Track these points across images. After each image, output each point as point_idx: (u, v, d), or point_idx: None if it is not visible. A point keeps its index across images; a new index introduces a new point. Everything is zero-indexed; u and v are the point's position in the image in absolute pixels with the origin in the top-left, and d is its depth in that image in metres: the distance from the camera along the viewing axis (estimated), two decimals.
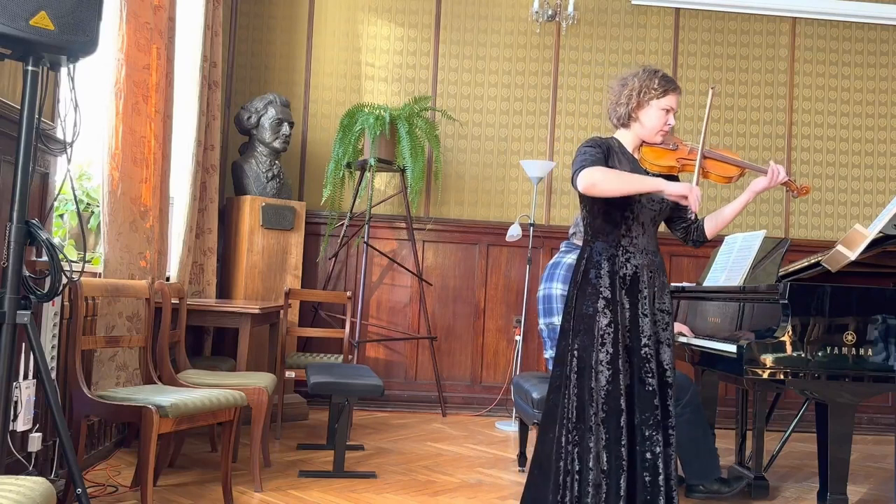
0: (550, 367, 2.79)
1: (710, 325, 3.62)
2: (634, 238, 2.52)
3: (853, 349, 2.89)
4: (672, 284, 4.20)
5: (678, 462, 3.43)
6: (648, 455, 2.42)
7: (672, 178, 2.62)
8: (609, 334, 2.44)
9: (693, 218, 2.67)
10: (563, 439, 2.46)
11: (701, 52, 5.80)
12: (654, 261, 2.56)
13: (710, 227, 2.65)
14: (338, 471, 3.48)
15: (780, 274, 3.22)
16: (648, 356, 2.47)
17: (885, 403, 5.55)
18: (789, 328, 2.89)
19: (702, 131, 2.57)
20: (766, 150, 5.78)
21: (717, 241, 4.09)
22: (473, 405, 5.43)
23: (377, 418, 5.05)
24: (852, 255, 2.81)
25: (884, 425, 5.44)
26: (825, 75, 5.84)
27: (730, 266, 3.67)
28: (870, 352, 2.89)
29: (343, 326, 4.90)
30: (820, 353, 2.88)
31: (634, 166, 2.57)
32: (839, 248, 2.86)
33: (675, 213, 2.65)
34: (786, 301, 2.92)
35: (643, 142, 2.59)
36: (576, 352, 2.48)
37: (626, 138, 2.61)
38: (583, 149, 2.51)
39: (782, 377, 2.91)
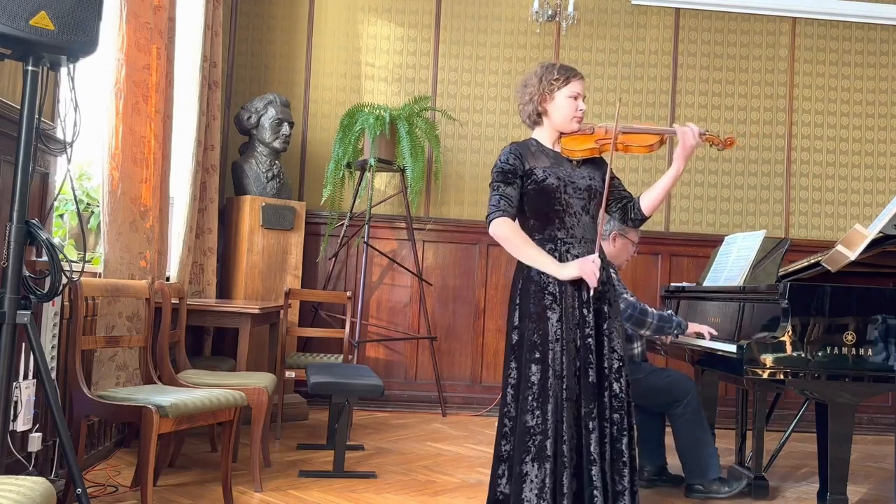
0: None
1: (710, 325, 3.62)
2: (570, 229, 2.52)
3: (853, 349, 2.89)
4: (672, 284, 4.22)
5: (677, 462, 3.44)
6: (593, 448, 2.40)
7: (596, 163, 2.63)
8: (560, 330, 2.43)
9: (628, 197, 2.68)
10: (525, 446, 2.41)
11: (701, 52, 5.80)
12: (594, 249, 2.53)
13: (646, 205, 2.64)
14: (338, 471, 3.48)
15: (780, 274, 3.22)
16: (590, 348, 2.45)
17: (885, 403, 5.55)
18: (789, 328, 2.90)
19: (614, 118, 2.56)
20: (766, 149, 5.78)
21: (717, 240, 4.09)
22: (473, 405, 5.43)
23: (377, 418, 5.05)
24: (852, 255, 2.81)
25: (884, 425, 5.44)
26: (825, 75, 5.84)
27: (729, 266, 3.67)
28: (870, 352, 2.89)
29: (343, 326, 4.90)
30: (820, 353, 2.89)
31: (556, 160, 2.57)
32: (839, 248, 2.86)
33: (609, 195, 2.60)
34: (786, 301, 2.92)
35: (560, 133, 2.60)
36: (532, 353, 2.43)
37: (543, 135, 2.62)
38: (494, 182, 2.52)
39: (782, 377, 2.91)
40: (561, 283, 2.47)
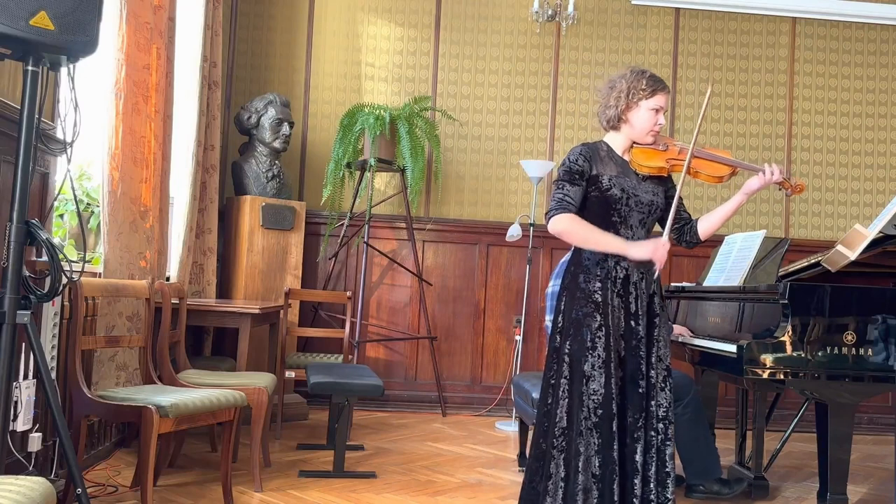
0: None
1: (710, 325, 3.62)
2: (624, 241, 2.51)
3: (853, 349, 2.89)
4: (672, 284, 4.22)
5: (677, 461, 3.44)
6: (638, 458, 2.41)
7: (661, 178, 2.61)
8: (600, 338, 2.42)
9: (686, 218, 2.68)
10: (549, 444, 2.44)
11: (701, 52, 5.80)
12: (645, 262, 2.54)
13: (703, 229, 2.64)
14: (338, 471, 3.48)
15: (780, 274, 3.22)
16: (640, 358, 2.46)
17: (885, 403, 5.55)
18: (789, 328, 2.89)
19: (694, 130, 2.55)
20: (766, 149, 5.78)
21: (717, 240, 4.09)
22: (473, 405, 5.43)
23: (377, 418, 5.05)
24: (852, 255, 2.81)
25: (884, 425, 5.44)
26: (825, 75, 5.84)
27: (730, 266, 3.67)
28: (870, 352, 2.89)
29: (343, 326, 4.90)
30: (820, 353, 2.88)
31: (623, 169, 2.55)
32: (839, 248, 2.86)
33: (667, 214, 2.59)
34: (786, 301, 2.92)
35: (633, 143, 2.58)
36: (566, 357, 2.46)
37: (616, 140, 2.60)
38: (560, 181, 2.50)
39: (782, 377, 2.91)
40: (606, 293, 2.46)
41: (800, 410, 3.90)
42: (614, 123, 2.58)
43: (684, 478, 3.43)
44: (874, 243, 2.84)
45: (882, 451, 4.72)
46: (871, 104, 5.85)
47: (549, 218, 2.48)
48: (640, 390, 2.44)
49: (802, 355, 2.88)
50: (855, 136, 5.84)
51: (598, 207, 2.51)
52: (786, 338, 2.89)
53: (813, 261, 3.14)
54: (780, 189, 2.63)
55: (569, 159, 2.52)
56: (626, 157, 2.59)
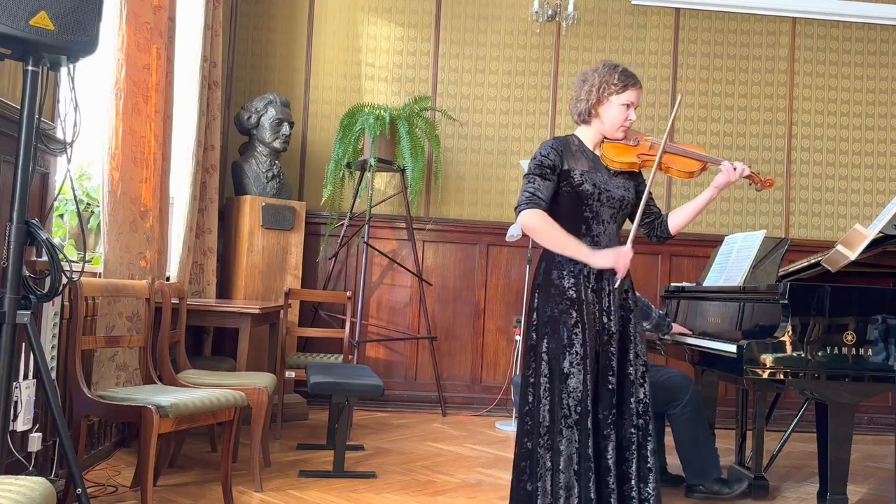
0: None
1: (710, 325, 3.62)
2: (596, 236, 2.50)
3: (853, 349, 2.89)
4: (672, 284, 4.22)
5: (676, 462, 3.44)
6: (610, 455, 2.40)
7: (633, 174, 2.60)
8: (577, 335, 2.41)
9: (657, 213, 2.68)
10: (535, 443, 2.44)
11: (701, 52, 5.80)
12: (608, 270, 2.51)
13: (673, 224, 2.64)
14: (338, 471, 3.48)
15: (779, 274, 3.22)
16: (611, 355, 2.45)
17: (885, 403, 5.55)
18: (789, 328, 2.89)
19: (665, 132, 2.55)
20: (767, 149, 5.78)
21: (717, 240, 4.10)
22: (473, 405, 5.43)
23: (377, 418, 5.05)
24: (852, 255, 2.81)
25: (884, 425, 5.44)
26: (825, 75, 5.84)
27: (729, 266, 3.67)
28: (870, 352, 2.89)
29: (343, 326, 4.90)
30: (820, 353, 2.88)
31: (595, 164, 2.54)
32: (839, 248, 2.86)
33: (637, 208, 2.58)
34: (786, 301, 2.92)
35: (604, 138, 2.57)
36: (544, 355, 2.44)
37: (587, 135, 2.59)
38: (531, 174, 2.49)
39: (782, 377, 2.91)
40: (581, 289, 2.45)
41: (800, 410, 3.90)
42: (585, 117, 2.56)
43: (684, 478, 3.43)
44: (874, 243, 2.84)
45: (882, 451, 4.72)
46: (871, 104, 5.85)
47: (519, 212, 2.47)
48: (610, 387, 2.43)
49: (802, 355, 2.88)
50: (855, 136, 5.84)
51: (570, 202, 2.49)
52: (786, 338, 2.89)
53: (813, 261, 3.14)
54: (750, 184, 2.63)
55: (540, 153, 2.51)
56: (597, 152, 2.57)
